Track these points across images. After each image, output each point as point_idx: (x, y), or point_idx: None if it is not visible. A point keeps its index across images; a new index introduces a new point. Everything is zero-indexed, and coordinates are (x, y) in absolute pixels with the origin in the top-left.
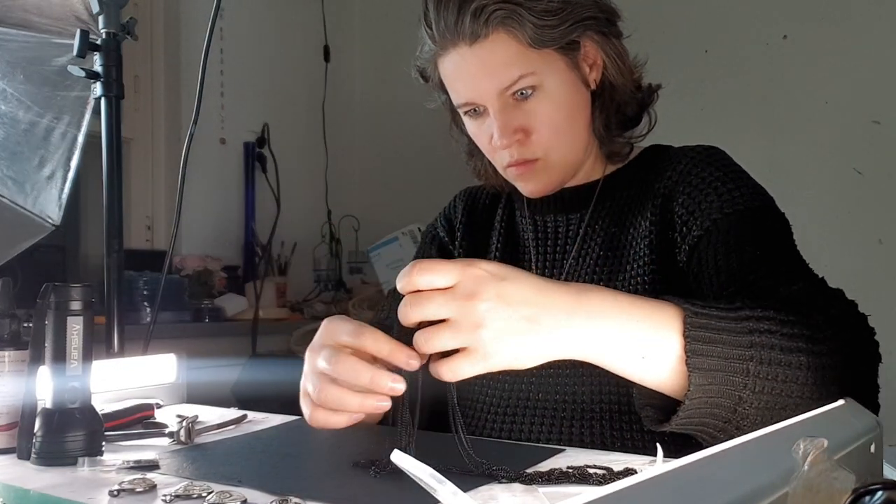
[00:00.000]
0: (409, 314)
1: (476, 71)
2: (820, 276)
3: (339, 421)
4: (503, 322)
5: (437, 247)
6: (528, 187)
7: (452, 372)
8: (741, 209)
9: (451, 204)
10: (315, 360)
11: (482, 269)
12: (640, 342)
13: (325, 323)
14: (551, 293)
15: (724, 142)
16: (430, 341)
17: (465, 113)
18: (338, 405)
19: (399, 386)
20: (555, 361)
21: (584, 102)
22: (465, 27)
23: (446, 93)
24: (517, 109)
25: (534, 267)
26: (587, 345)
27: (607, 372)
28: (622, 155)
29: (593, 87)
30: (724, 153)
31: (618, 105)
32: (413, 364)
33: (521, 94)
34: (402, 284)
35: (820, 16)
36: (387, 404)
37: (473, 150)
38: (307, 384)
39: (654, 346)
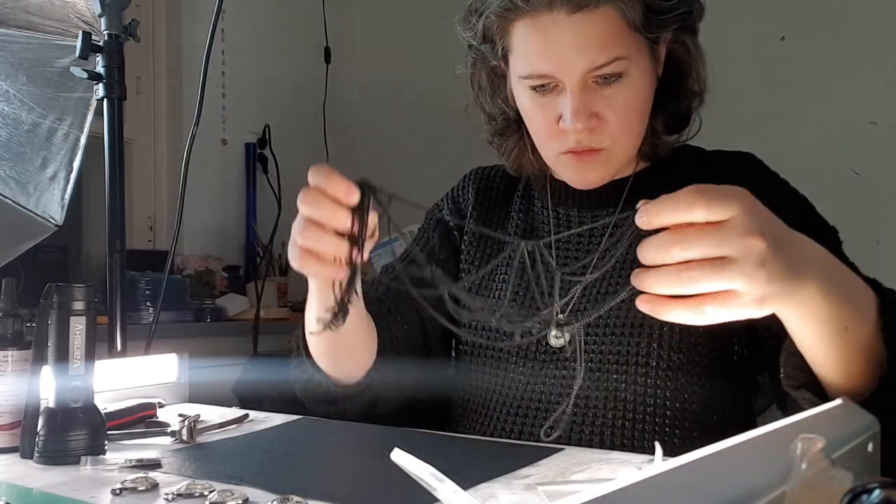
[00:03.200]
0: (671, 252)
1: (569, 43)
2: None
3: (322, 270)
4: (780, 265)
5: (441, 231)
6: (581, 177)
7: (723, 313)
8: (797, 226)
9: (458, 185)
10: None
11: (756, 203)
12: (849, 312)
13: None
14: (807, 244)
15: (721, 143)
16: (705, 279)
17: (532, 87)
18: (315, 244)
19: (353, 197)
20: (559, 361)
21: (652, 98)
22: None
23: (505, 60)
24: (596, 93)
25: (553, 263)
26: (816, 303)
27: (610, 371)
28: (660, 156)
29: (656, 84)
30: (760, 161)
31: (677, 106)
32: (352, 198)
33: (605, 78)
34: (655, 219)
35: (817, 17)
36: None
37: (505, 130)
38: (294, 233)
39: (856, 320)
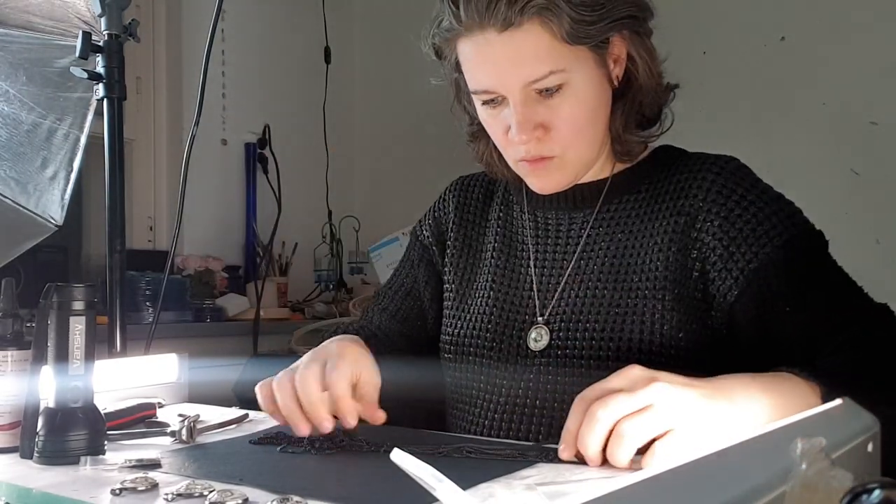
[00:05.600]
0: (598, 418)
1: (502, 60)
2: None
3: (277, 419)
4: (688, 399)
5: (420, 251)
6: (540, 184)
7: (669, 456)
8: (787, 239)
9: (440, 199)
10: (301, 362)
11: (639, 368)
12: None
13: (330, 340)
14: (703, 379)
15: (721, 143)
16: (638, 430)
17: (482, 102)
18: (284, 410)
19: (327, 426)
20: (540, 365)
21: (606, 100)
22: (499, 12)
23: (459, 72)
24: (539, 104)
25: (532, 266)
26: (748, 417)
27: (591, 369)
28: (634, 154)
29: (616, 84)
30: (746, 167)
31: (639, 104)
32: (351, 423)
33: (546, 90)
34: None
35: (817, 17)
36: (304, 428)
37: (478, 134)
38: (277, 379)
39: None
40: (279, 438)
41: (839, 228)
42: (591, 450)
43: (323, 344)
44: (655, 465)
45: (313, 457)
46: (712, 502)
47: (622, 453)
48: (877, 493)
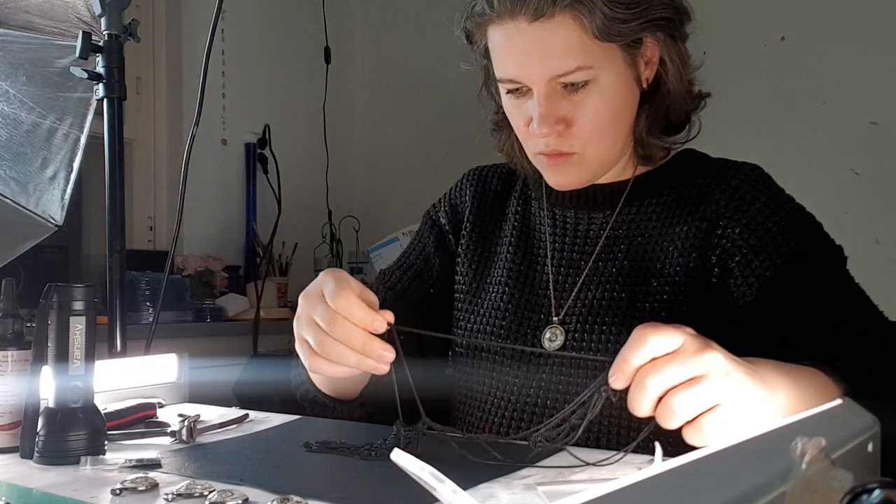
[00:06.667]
0: (647, 386)
1: (530, 50)
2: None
3: (339, 371)
4: (743, 373)
5: (437, 235)
6: (557, 179)
7: (721, 425)
8: (806, 252)
9: (456, 186)
10: (310, 311)
11: (692, 332)
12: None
13: (321, 274)
14: (759, 362)
15: (722, 142)
16: (688, 405)
17: (507, 90)
18: (338, 359)
19: (388, 355)
20: (554, 364)
21: (632, 101)
22: (532, 2)
23: (488, 59)
24: (564, 98)
25: (549, 264)
26: (778, 406)
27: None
28: (656, 159)
29: (645, 86)
30: (770, 177)
31: (666, 109)
32: (380, 327)
33: (572, 85)
34: (624, 370)
35: (818, 17)
36: (384, 367)
37: (502, 123)
38: (304, 333)
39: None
40: (332, 447)
41: (839, 228)
42: (640, 413)
43: (312, 284)
44: (701, 440)
45: (313, 456)
46: (712, 502)
47: (670, 423)
48: (877, 493)
